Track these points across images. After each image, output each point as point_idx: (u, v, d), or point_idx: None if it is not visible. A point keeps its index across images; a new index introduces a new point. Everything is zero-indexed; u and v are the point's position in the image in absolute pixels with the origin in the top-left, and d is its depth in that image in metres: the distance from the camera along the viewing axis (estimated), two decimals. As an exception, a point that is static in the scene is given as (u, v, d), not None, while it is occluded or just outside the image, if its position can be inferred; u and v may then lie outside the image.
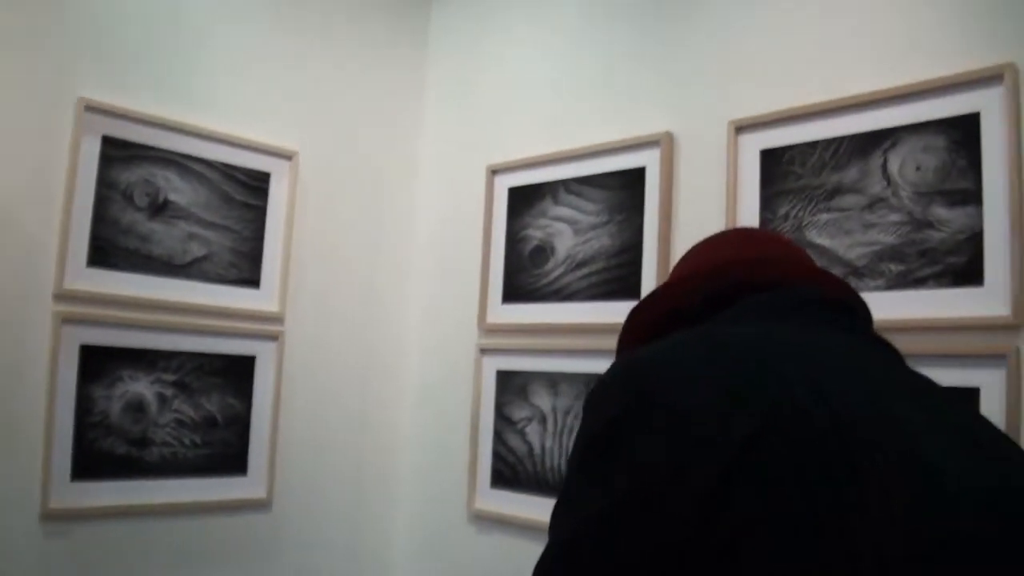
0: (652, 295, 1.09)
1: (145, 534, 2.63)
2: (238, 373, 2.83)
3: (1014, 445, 0.86)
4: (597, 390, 0.89)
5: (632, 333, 1.11)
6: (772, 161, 2.35)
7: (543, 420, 2.76)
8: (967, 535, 0.72)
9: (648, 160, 2.61)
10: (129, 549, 2.60)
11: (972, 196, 2.02)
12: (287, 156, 2.96)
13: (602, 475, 0.82)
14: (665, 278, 2.51)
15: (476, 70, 3.20)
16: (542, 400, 2.77)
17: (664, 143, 2.57)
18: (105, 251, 2.59)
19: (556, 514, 0.86)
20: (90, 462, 2.53)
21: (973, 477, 0.77)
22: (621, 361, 0.91)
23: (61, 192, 2.51)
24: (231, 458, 2.80)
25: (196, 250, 2.76)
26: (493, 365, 2.92)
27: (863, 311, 1.07)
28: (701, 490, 0.74)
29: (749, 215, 2.37)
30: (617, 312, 2.60)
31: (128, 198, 2.63)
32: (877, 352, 0.95)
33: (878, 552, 0.70)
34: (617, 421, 0.83)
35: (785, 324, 0.94)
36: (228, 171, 2.83)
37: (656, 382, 0.83)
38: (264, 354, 2.88)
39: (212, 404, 2.77)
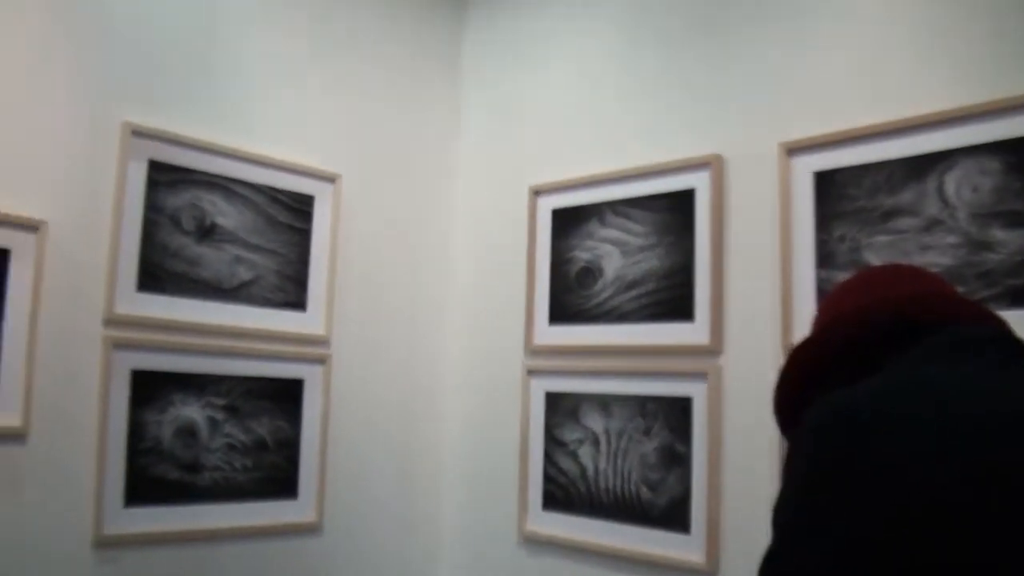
0: (823, 331, 1.07)
1: (197, 559, 2.63)
2: (286, 396, 2.82)
3: None
4: (808, 433, 0.88)
5: (801, 368, 1.09)
6: (826, 183, 2.35)
7: (596, 442, 2.76)
8: None
9: (698, 182, 2.61)
10: (181, 575, 2.60)
11: (1037, 220, 2.02)
12: (330, 179, 2.96)
13: (820, 523, 0.81)
14: (719, 300, 2.52)
15: (515, 90, 3.21)
16: (594, 422, 2.77)
17: (714, 165, 2.57)
18: (154, 275, 2.59)
19: (772, 561, 0.85)
20: (142, 487, 2.53)
21: None
22: (832, 404, 0.89)
23: (109, 217, 2.52)
24: (281, 482, 2.80)
25: (243, 274, 2.76)
26: (541, 387, 2.92)
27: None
28: (920, 538, 0.74)
29: (803, 237, 2.37)
30: (669, 333, 2.60)
31: (176, 222, 2.63)
32: None
33: None
34: (832, 467, 0.82)
35: (979, 363, 0.94)
36: (273, 194, 2.83)
37: (873, 428, 0.83)
38: (311, 377, 2.88)
39: (262, 428, 2.76)
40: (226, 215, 2.73)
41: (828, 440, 0.85)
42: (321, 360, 2.90)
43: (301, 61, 2.97)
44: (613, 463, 2.71)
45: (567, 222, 2.93)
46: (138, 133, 2.57)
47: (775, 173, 2.45)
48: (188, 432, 2.62)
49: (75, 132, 2.48)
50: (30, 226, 2.36)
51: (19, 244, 2.35)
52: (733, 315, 2.51)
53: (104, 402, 2.47)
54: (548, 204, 2.99)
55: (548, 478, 2.88)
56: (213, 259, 2.70)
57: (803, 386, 1.09)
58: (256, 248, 2.78)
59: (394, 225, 3.17)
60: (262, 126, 2.85)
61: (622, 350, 2.72)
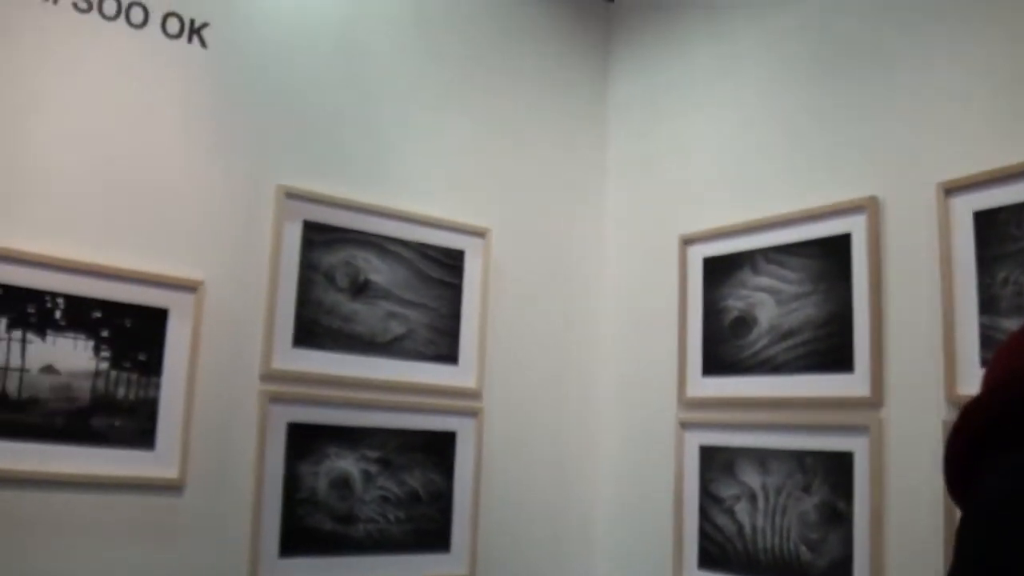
0: (994, 389, 0.98)
1: (351, 611, 2.67)
2: (439, 449, 2.85)
3: None
4: (997, 504, 0.80)
5: (972, 429, 1.00)
6: (987, 223, 2.19)
7: (753, 498, 2.64)
8: None
9: (853, 226, 2.49)
10: (336, 626, 2.63)
11: None
12: (480, 234, 2.98)
13: None
14: (879, 350, 2.38)
15: (661, 138, 3.16)
16: (751, 478, 2.66)
17: (870, 208, 2.45)
18: (310, 331, 2.66)
19: None
20: (297, 538, 2.59)
21: None
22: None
23: (266, 276, 2.61)
24: (434, 534, 2.81)
25: (396, 328, 2.81)
26: (696, 440, 2.83)
27: None
28: None
29: (965, 281, 2.22)
30: (827, 385, 2.48)
31: (330, 280, 2.71)
32: None
33: None
34: None
35: None
36: (424, 250, 2.88)
37: None
38: (464, 430, 2.89)
39: (415, 480, 2.79)
40: (379, 272, 2.79)
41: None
42: (473, 413, 2.91)
43: (448, 120, 3.02)
44: (771, 521, 2.59)
45: (719, 271, 2.85)
46: (292, 195, 2.67)
47: (933, 214, 2.31)
48: (343, 484, 2.67)
49: (232, 195, 2.61)
50: (189, 286, 2.48)
51: (178, 304, 2.47)
52: (894, 365, 2.37)
53: (261, 455, 2.55)
54: (699, 253, 2.91)
55: (704, 535, 2.78)
56: (367, 314, 2.76)
57: (975, 448, 0.99)
58: (408, 303, 2.83)
59: (543, 277, 3.16)
60: (412, 184, 2.91)
61: (779, 402, 2.61)
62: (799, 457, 2.53)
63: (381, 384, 2.75)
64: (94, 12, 2.44)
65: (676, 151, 3.10)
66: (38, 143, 2.34)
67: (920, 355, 2.31)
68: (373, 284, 2.78)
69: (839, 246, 2.52)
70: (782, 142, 2.74)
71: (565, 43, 3.34)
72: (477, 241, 2.98)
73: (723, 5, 3.02)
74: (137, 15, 2.50)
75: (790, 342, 2.61)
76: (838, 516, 2.42)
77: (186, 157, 2.55)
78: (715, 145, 2.96)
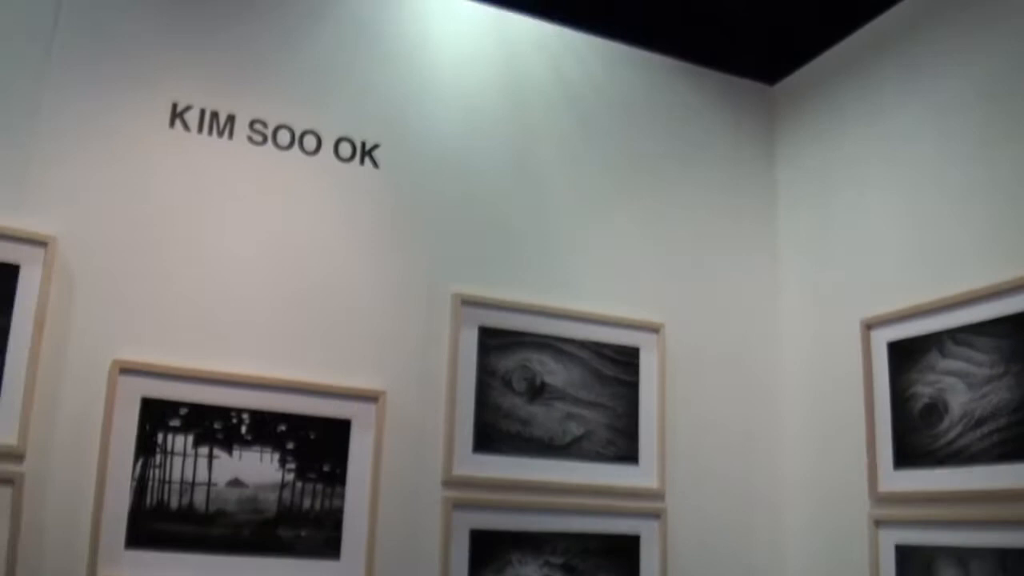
0: None
1: None
2: (623, 553, 2.78)
3: None
4: None
5: None
6: None
7: (954, 601, 2.44)
8: None
9: (1049, 301, 2.32)
10: None
11: None
12: (654, 329, 2.95)
13: None
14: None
15: (833, 219, 3.06)
16: (951, 579, 2.45)
17: (1063, 280, 2.28)
18: (489, 436, 2.69)
19: None
20: (485, 647, 2.57)
21: None
22: None
23: (444, 383, 2.67)
24: (621, 642, 2.74)
25: (574, 430, 2.79)
26: (891, 539, 2.64)
27: None
28: None
29: None
30: (1029, 475, 2.28)
31: (507, 383, 2.73)
32: None
33: None
34: None
35: None
36: (598, 349, 2.87)
37: None
38: (647, 532, 2.82)
39: (599, 586, 2.74)
40: (555, 373, 2.80)
41: None
42: (656, 514, 2.84)
43: (616, 216, 3.04)
44: (980, 624, 2.37)
45: (904, 355, 2.69)
46: (468, 302, 2.72)
47: None
48: (527, 591, 2.64)
49: (409, 305, 2.70)
50: (370, 397, 2.55)
51: (360, 414, 2.54)
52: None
53: (445, 563, 2.57)
54: (882, 337, 2.77)
55: (906, 643, 2.57)
56: (544, 417, 2.76)
57: None
58: (586, 403, 2.82)
59: (720, 370, 3.09)
60: (584, 283, 2.93)
61: (977, 496, 2.41)
62: (1001, 556, 2.32)
63: (562, 487, 2.74)
64: (269, 144, 2.61)
65: (850, 232, 2.99)
66: (221, 268, 2.50)
67: None
68: (549, 386, 2.78)
69: (1033, 324, 2.34)
70: (958, 216, 2.60)
71: (729, 130, 3.32)
72: (651, 337, 2.95)
73: (882, 82, 2.94)
74: (310, 143, 2.66)
75: (984, 429, 2.42)
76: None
77: (363, 271, 2.66)
78: (890, 223, 2.84)
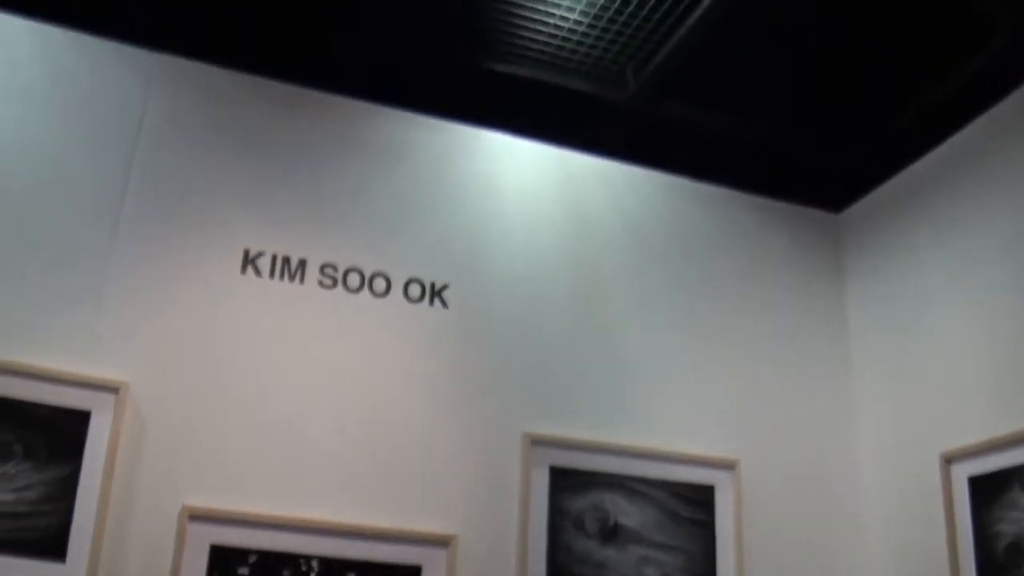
0: None
1: None
2: None
3: None
4: None
5: None
6: None
7: None
8: None
9: None
10: None
11: None
12: (729, 466, 2.87)
13: None
14: None
15: (905, 347, 2.99)
16: None
17: None
18: (562, 580, 2.61)
19: None
20: None
21: None
22: None
23: (516, 525, 2.62)
24: None
25: (650, 574, 2.69)
26: None
27: None
28: None
29: None
30: None
31: (579, 526, 2.67)
32: None
33: None
34: None
35: None
36: (673, 489, 2.79)
37: None
38: None
39: None
40: (628, 515, 2.72)
41: None
42: (737, 660, 2.71)
43: (686, 350, 2.99)
44: None
45: (985, 490, 2.57)
46: (538, 442, 2.68)
47: None
48: None
49: (478, 447, 2.66)
50: (441, 542, 2.50)
51: (431, 559, 2.49)
52: None
53: None
54: (963, 472, 2.65)
55: None
56: (619, 561, 2.68)
57: None
58: (661, 546, 2.73)
59: (798, 506, 2.97)
60: (655, 420, 2.87)
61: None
62: None
63: (639, 634, 2.63)
64: (339, 287, 2.64)
65: (925, 362, 2.91)
66: (291, 413, 2.50)
67: None
68: (623, 528, 2.71)
69: None
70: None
71: (796, 259, 3.28)
72: (726, 475, 2.86)
73: (951, 207, 2.91)
74: (380, 285, 2.68)
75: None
76: None
77: (432, 412, 2.64)
78: (966, 352, 2.76)
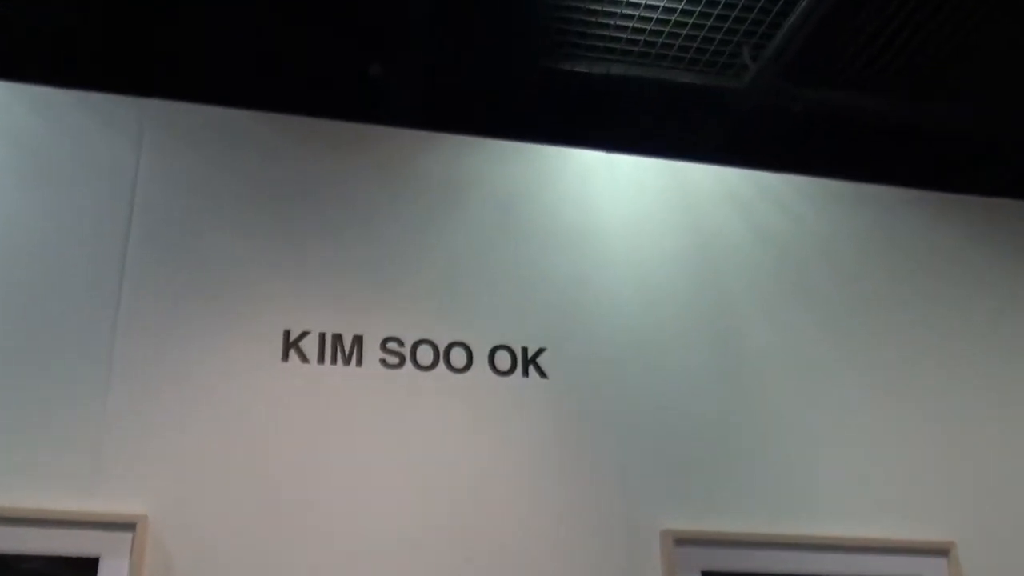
0: None
1: None
2: None
3: None
4: None
5: None
6: None
7: None
8: None
9: None
10: None
11: None
12: (941, 552, 2.29)
13: None
14: None
15: None
16: None
17: None
18: None
19: None
20: None
21: None
22: None
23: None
24: None
25: None
26: None
27: None
28: None
29: None
30: None
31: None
32: None
33: None
34: None
35: None
36: (866, 586, 2.28)
37: None
38: None
39: None
40: (812, 624, 2.23)
41: None
42: None
43: (857, 414, 2.46)
44: None
45: None
46: (682, 541, 2.21)
47: None
48: None
49: (605, 546, 2.20)
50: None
51: None
52: None
53: None
54: None
55: None
56: None
57: None
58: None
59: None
60: (826, 501, 2.35)
61: None
62: None
63: None
64: (407, 365, 2.24)
65: None
66: (356, 529, 2.07)
67: None
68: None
69: None
70: None
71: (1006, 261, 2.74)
72: (939, 562, 2.30)
73: None
74: (459, 357, 2.27)
75: None
76: None
77: (539, 508, 2.20)
78: None
